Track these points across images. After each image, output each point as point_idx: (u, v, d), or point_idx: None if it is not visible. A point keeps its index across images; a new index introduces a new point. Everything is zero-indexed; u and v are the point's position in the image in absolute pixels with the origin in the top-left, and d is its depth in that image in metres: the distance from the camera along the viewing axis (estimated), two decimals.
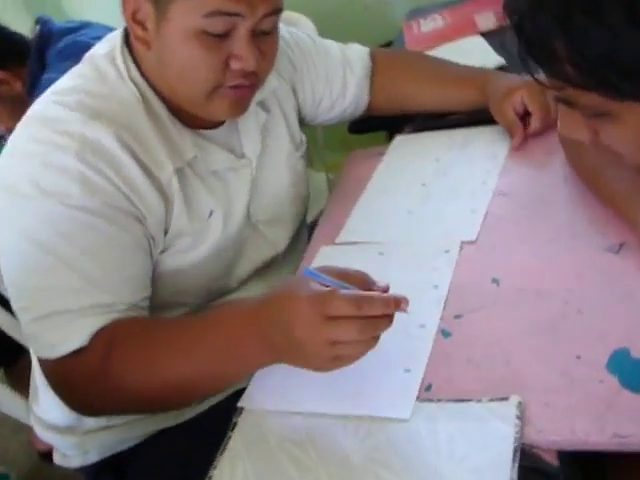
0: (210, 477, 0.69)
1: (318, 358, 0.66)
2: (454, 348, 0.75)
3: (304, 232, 1.13)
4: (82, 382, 0.77)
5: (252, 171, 0.96)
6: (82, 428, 0.94)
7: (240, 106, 0.87)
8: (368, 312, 0.63)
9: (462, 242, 0.90)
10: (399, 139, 1.20)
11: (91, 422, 0.92)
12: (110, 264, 0.79)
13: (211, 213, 0.91)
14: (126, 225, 0.81)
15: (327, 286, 0.66)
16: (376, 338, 0.65)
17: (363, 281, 0.69)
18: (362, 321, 0.63)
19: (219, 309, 0.80)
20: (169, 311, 0.93)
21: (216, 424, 0.75)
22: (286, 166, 1.04)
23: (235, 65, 0.81)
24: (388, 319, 0.65)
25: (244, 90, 0.85)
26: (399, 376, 0.73)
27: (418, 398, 0.70)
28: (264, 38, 0.83)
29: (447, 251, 0.89)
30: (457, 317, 0.79)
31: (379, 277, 0.86)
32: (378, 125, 1.29)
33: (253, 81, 0.85)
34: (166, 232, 0.87)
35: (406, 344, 0.77)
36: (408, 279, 0.86)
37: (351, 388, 0.73)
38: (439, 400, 0.69)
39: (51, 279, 0.77)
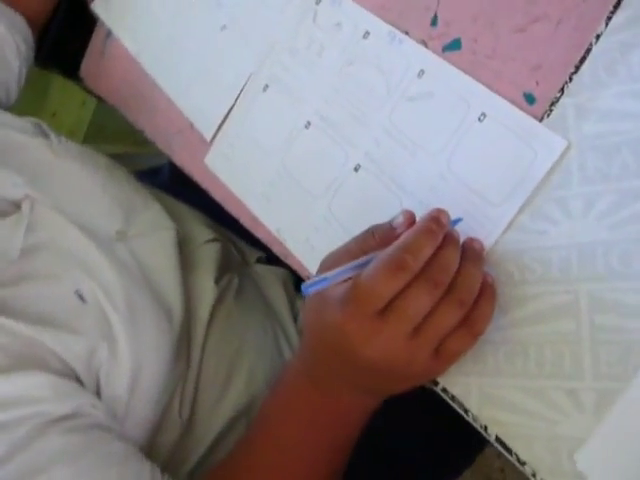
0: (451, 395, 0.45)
1: (421, 362, 0.45)
2: (482, 49, 0.51)
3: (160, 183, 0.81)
4: None
5: (44, 201, 0.61)
6: None
7: None
8: (418, 262, 0.42)
9: None
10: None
11: None
12: None
13: (80, 294, 0.58)
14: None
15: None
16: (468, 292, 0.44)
17: (377, 235, 0.47)
18: (423, 276, 0.43)
19: (277, 392, 0.55)
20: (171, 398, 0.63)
21: None
22: (64, 157, 0.69)
23: None
24: (453, 243, 0.45)
25: None
26: (497, 124, 0.49)
27: (542, 120, 0.47)
28: None
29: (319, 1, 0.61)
30: (443, 35, 0.53)
31: (302, 108, 0.60)
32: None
33: None
34: (77, 377, 0.54)
35: (435, 105, 0.52)
36: (336, 66, 0.59)
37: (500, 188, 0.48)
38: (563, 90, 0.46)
39: None
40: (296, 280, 0.76)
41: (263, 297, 0.76)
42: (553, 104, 0.46)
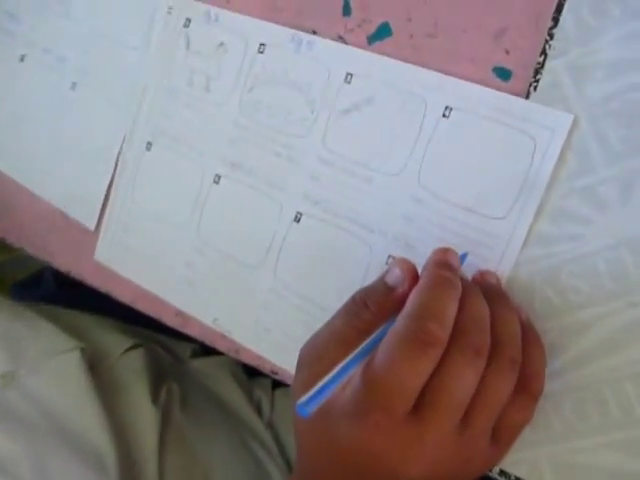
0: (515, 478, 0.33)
1: (479, 456, 0.33)
2: (421, 27, 0.40)
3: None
4: None
5: None
6: None
7: None
8: (446, 329, 0.30)
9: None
10: None
11: None
12: None
13: None
14: None
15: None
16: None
17: (371, 303, 0.33)
18: (456, 345, 0.30)
19: None
20: None
21: None
22: None
23: None
24: (473, 289, 0.33)
25: None
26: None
27: (529, 97, 0.36)
28: None
29: (187, 22, 0.48)
30: (364, 23, 0.42)
31: (204, 160, 0.46)
32: None
33: None
34: None
35: (380, 111, 0.40)
36: (233, 97, 0.46)
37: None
38: None
39: None
40: (245, 364, 0.62)
41: (214, 398, 0.61)
42: (538, 72, 0.35)
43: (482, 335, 0.31)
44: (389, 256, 0.39)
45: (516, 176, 0.35)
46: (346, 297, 0.34)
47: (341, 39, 0.41)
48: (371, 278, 0.36)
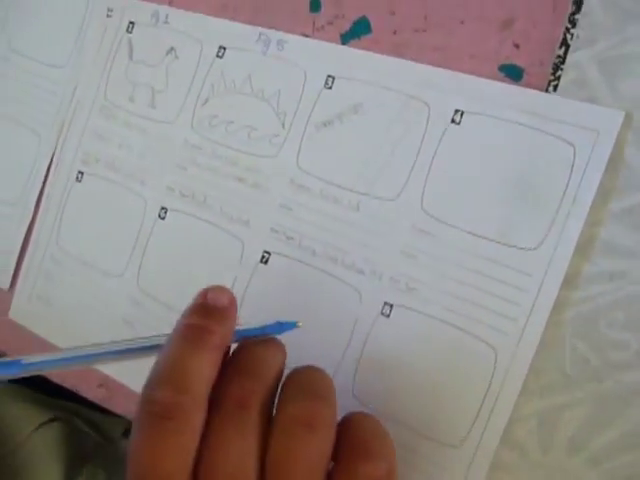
0: None
1: None
2: (408, 22, 0.32)
3: None
4: None
5: None
6: None
7: None
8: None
9: None
10: None
11: None
12: None
13: None
14: None
15: None
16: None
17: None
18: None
19: None
20: None
21: None
22: None
23: None
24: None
25: None
26: None
27: None
28: None
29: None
30: (337, 19, 0.34)
31: (146, 190, 0.37)
32: None
33: None
34: None
35: (370, 121, 0.32)
36: (186, 112, 0.38)
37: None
38: None
39: None
40: None
41: None
42: (557, 68, 0.28)
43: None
44: (385, 304, 0.31)
45: (551, 193, 0.28)
46: (331, 360, 0.25)
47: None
48: (364, 334, 0.27)
